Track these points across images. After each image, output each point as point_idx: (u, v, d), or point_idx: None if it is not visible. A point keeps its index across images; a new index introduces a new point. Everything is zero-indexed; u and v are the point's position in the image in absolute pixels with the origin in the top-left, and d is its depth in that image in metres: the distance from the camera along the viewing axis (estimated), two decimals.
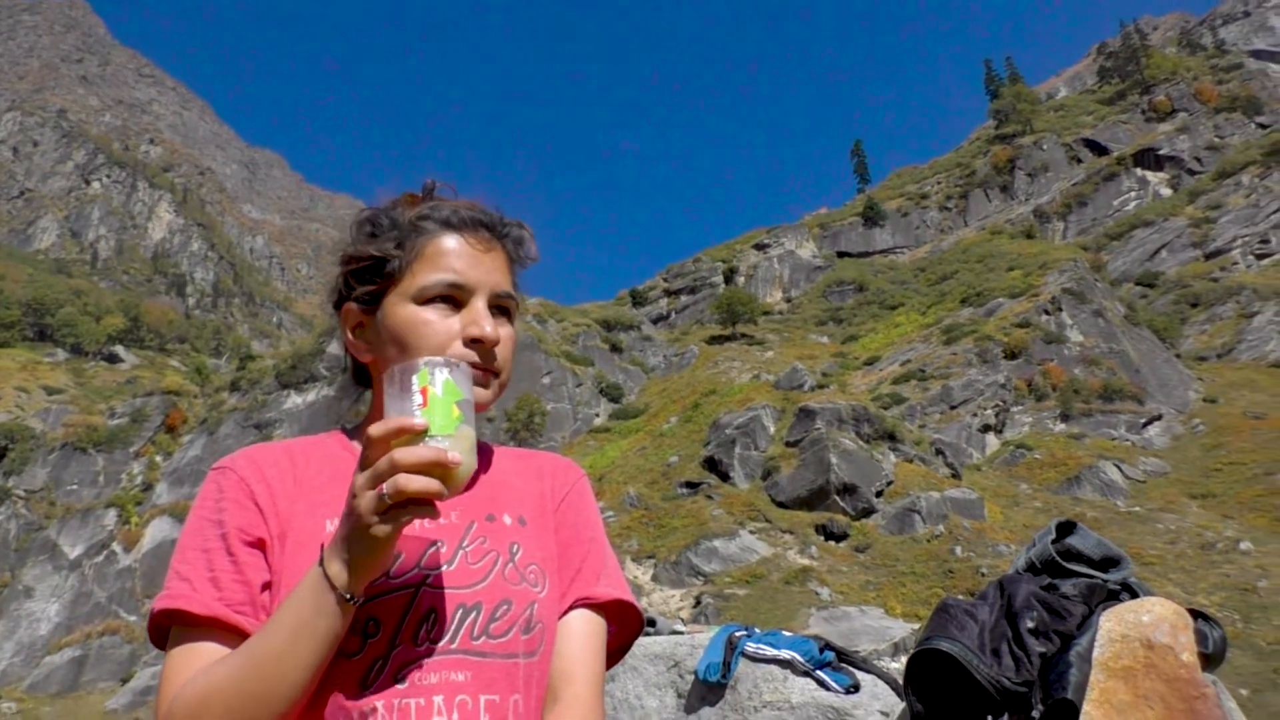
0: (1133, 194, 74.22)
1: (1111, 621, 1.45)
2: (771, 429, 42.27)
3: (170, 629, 1.12)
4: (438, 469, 0.98)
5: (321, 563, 1.02)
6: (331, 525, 1.15)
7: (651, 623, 4.09)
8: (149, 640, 1.20)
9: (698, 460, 42.52)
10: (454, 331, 1.19)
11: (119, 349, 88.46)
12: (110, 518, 51.13)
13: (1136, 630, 1.42)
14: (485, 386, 1.21)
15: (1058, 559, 1.62)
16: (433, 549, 1.15)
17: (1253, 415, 45.90)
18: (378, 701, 1.06)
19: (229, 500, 1.16)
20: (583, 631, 1.23)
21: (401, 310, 1.20)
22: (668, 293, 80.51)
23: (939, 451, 42.27)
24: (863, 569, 33.97)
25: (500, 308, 1.25)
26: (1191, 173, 73.41)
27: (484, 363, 1.20)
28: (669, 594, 33.07)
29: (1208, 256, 64.57)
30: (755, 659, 3.10)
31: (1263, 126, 76.50)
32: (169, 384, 69.08)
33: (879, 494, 37.80)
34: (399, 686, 1.07)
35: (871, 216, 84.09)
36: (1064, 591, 1.55)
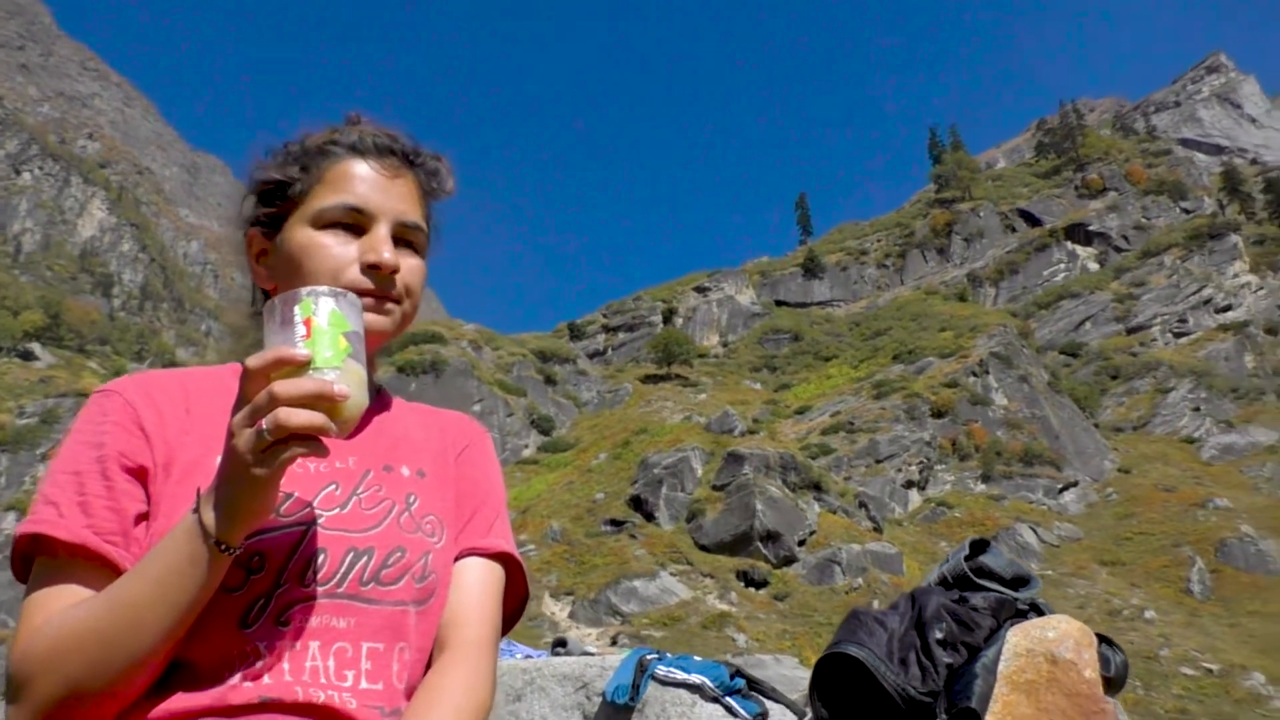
0: (1062, 265, 76.76)
1: (1018, 636, 1.46)
2: (699, 471, 42.35)
3: (35, 560, 1.03)
4: (323, 403, 0.89)
5: (196, 508, 0.94)
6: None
7: (562, 643, 4.02)
8: (11, 572, 1.09)
9: (624, 498, 42.37)
10: (350, 257, 1.12)
11: (35, 346, 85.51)
12: (9, 521, 49.06)
13: (1042, 645, 1.43)
14: (384, 314, 1.14)
15: (970, 574, 1.63)
16: (326, 490, 1.09)
17: (1163, 488, 47.38)
18: (259, 643, 1.00)
19: (111, 423, 1.07)
20: (476, 579, 1.17)
21: (299, 234, 1.14)
22: (606, 328, 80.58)
23: (862, 504, 42.75)
24: (780, 617, 34.05)
25: (406, 240, 1.18)
26: (1118, 249, 76.21)
27: (381, 289, 1.13)
28: (585, 632, 32.73)
29: (1129, 331, 66.88)
30: (665, 682, 3.06)
31: (1186, 211, 79.88)
32: (85, 386, 66.85)
33: (801, 543, 38.02)
34: (280, 628, 1.01)
35: (811, 268, 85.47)
36: (974, 604, 1.55)
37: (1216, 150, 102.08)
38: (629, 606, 33.93)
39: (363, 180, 1.16)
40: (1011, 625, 1.50)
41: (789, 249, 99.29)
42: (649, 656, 3.15)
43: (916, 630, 1.51)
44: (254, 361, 0.91)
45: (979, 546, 1.71)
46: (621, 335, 78.82)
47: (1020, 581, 1.64)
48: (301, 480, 1.08)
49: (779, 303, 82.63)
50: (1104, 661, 1.49)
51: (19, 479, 54.12)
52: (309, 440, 0.90)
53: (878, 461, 48.11)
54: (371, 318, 1.12)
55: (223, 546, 0.94)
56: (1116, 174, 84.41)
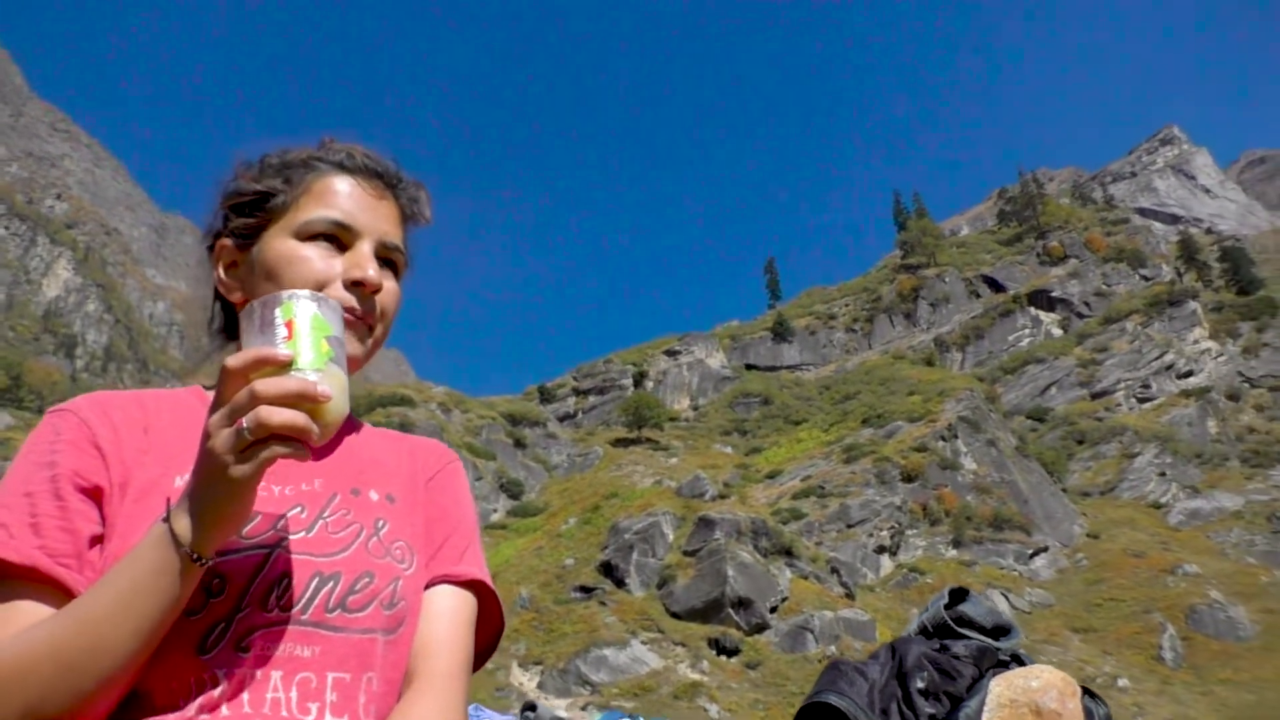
0: (1026, 331, 77.95)
1: (1001, 686, 1.43)
2: (670, 536, 42.02)
3: None
4: (305, 403, 0.86)
5: (167, 518, 0.90)
6: (182, 481, 1.01)
7: (531, 708, 3.92)
8: None
9: (594, 564, 41.88)
10: (334, 272, 1.09)
11: None
12: None
13: (1025, 695, 1.39)
14: (359, 340, 1.11)
15: (950, 623, 1.60)
16: (292, 512, 1.04)
17: (1133, 553, 47.59)
18: (218, 670, 0.94)
19: (65, 442, 1.02)
20: (448, 607, 1.11)
21: (280, 244, 1.10)
22: (577, 391, 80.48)
23: (834, 570, 42.51)
24: (753, 686, 33.56)
25: (387, 260, 1.15)
26: (1080, 315, 77.58)
27: (362, 310, 1.10)
28: (555, 704, 32.03)
29: (1094, 396, 67.75)
30: None
31: (1146, 279, 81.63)
32: None
33: (773, 610, 37.67)
34: (240, 655, 0.95)
35: (781, 332, 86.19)
36: (955, 652, 1.51)
37: (1173, 219, 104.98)
38: (599, 676, 33.34)
39: (349, 197, 1.14)
40: (994, 675, 1.47)
41: (758, 313, 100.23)
42: (623, 718, 3.07)
43: (898, 680, 1.47)
44: (233, 361, 0.87)
45: (958, 595, 1.69)
46: (592, 398, 78.72)
47: (1001, 631, 1.61)
48: (266, 502, 1.03)
49: (749, 366, 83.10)
50: (1088, 714, 1.46)
51: None
52: (290, 442, 0.85)
53: (849, 526, 48.01)
54: (348, 341, 1.08)
55: (195, 557, 0.89)
56: (1077, 241, 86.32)
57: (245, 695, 0.95)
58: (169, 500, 0.96)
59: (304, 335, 0.90)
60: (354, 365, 1.12)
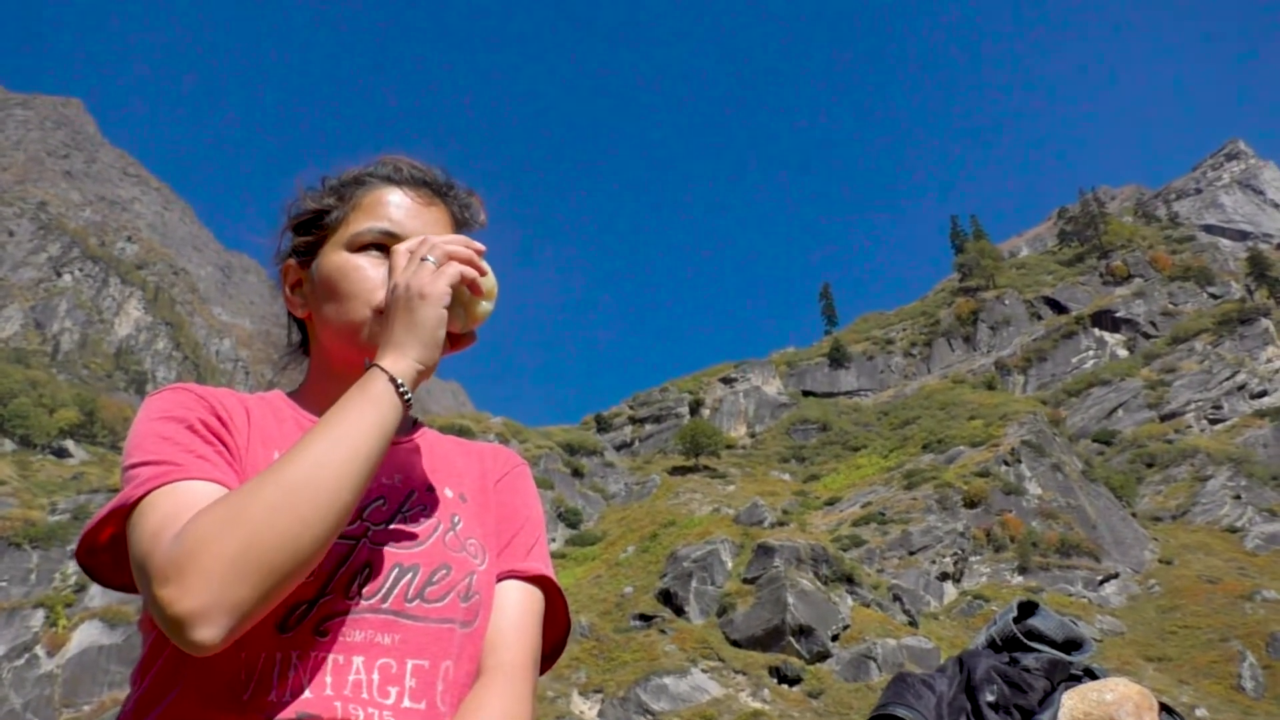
0: (1090, 353, 76.25)
1: (1074, 699, 1.39)
2: (729, 564, 41.71)
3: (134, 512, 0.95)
4: (473, 260, 1.05)
5: (370, 365, 1.00)
6: (279, 455, 1.02)
7: None
8: (78, 558, 1.04)
9: (653, 592, 41.71)
10: (385, 279, 1.12)
11: (69, 444, 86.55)
12: (37, 619, 48.92)
13: (1100, 709, 1.36)
14: None
15: (1019, 637, 1.57)
16: (374, 504, 1.09)
17: (1207, 579, 46.04)
18: (293, 651, 0.96)
19: (187, 406, 1.06)
20: (515, 601, 1.14)
21: (335, 257, 1.15)
22: (633, 420, 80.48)
23: (896, 597, 41.81)
24: (816, 716, 33.04)
25: None
26: (1147, 336, 75.71)
27: None
28: None
29: (1163, 418, 65.93)
30: None
31: (1214, 297, 79.46)
32: (116, 482, 67.17)
33: (835, 638, 37.13)
34: (318, 638, 0.98)
35: (837, 358, 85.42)
36: (1026, 665, 1.48)
37: (1240, 236, 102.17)
38: (659, 704, 33.10)
39: (397, 206, 1.17)
40: (1066, 688, 1.43)
41: (814, 339, 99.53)
42: None
43: (966, 693, 1.44)
44: (403, 245, 1.07)
45: (1027, 609, 1.65)
46: (649, 427, 78.66)
47: (1073, 645, 1.58)
48: None
49: (806, 393, 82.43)
50: None
51: (49, 575, 54.18)
52: (472, 274, 1.03)
53: (911, 553, 47.20)
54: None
55: (399, 384, 0.98)
56: (1141, 260, 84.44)
57: (328, 677, 0.97)
58: (366, 361, 1.04)
59: None
60: (463, 344, 1.16)
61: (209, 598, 0.84)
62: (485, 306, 1.06)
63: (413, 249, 1.05)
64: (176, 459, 0.98)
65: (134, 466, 0.99)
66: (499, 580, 1.15)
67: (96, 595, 51.55)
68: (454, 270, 1.01)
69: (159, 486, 0.95)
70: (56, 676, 46.08)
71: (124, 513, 0.96)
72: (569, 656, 36.70)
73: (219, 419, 1.07)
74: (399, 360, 0.99)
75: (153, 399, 1.08)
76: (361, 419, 0.95)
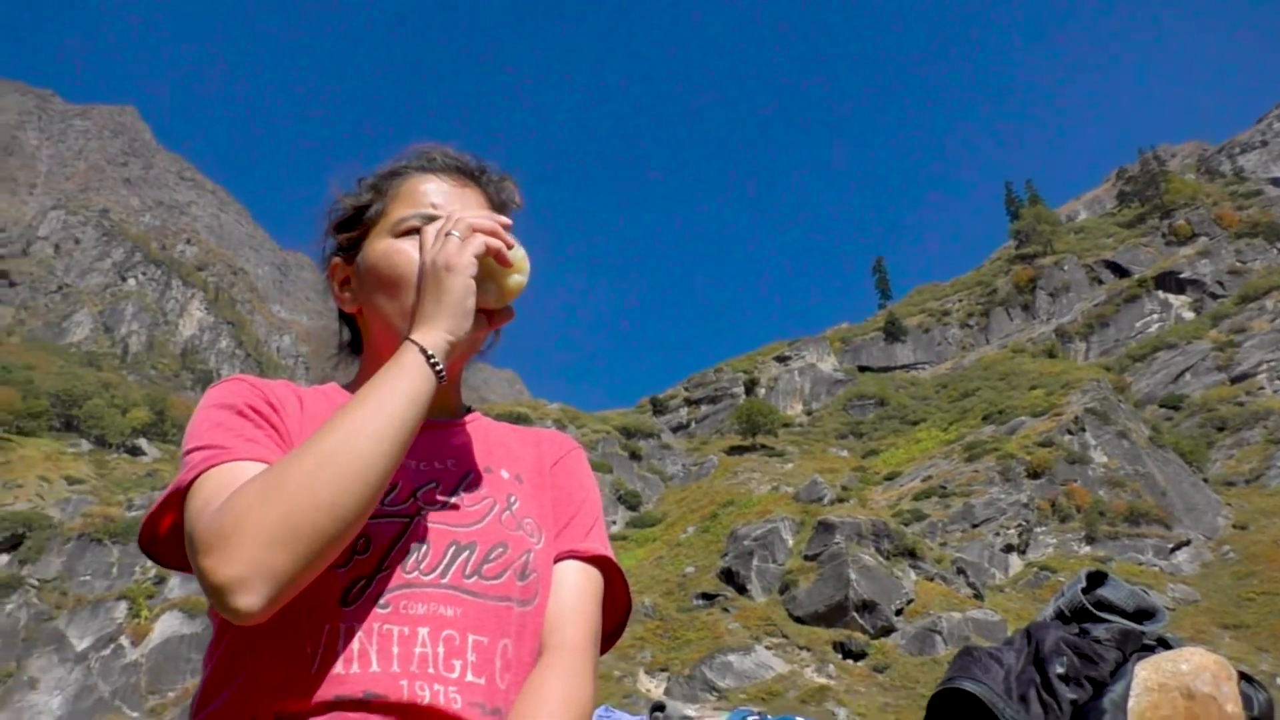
0: (1155, 316, 74.30)
1: (1148, 670, 1.36)
2: (790, 542, 41.60)
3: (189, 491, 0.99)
4: (498, 227, 1.07)
5: (405, 338, 1.02)
6: None
7: (660, 707, 3.94)
8: (140, 542, 1.08)
9: (714, 571, 41.78)
10: None
11: (142, 442, 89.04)
12: (120, 610, 50.51)
13: (1175, 679, 1.33)
14: None
15: (1089, 607, 1.54)
16: (428, 486, 1.10)
17: None
18: (357, 624, 0.98)
19: (240, 395, 1.09)
20: (574, 582, 1.15)
21: (378, 244, 1.18)
22: (688, 401, 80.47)
23: (960, 571, 41.35)
24: (882, 690, 32.89)
25: None
26: (1214, 296, 73.53)
27: None
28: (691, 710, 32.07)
29: (1233, 380, 64.03)
30: None
31: None
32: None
33: (899, 612, 36.87)
34: (380, 610, 0.99)
35: (893, 332, 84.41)
36: (1096, 636, 1.46)
37: None
38: (725, 681, 33.21)
39: (436, 191, 1.20)
40: (1139, 659, 1.41)
41: (869, 314, 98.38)
42: (750, 718, 3.06)
43: (1035, 666, 1.42)
44: (432, 226, 1.09)
45: (1096, 579, 1.62)
46: (704, 408, 78.58)
47: (1144, 614, 1.54)
48: (404, 475, 1.09)
49: (862, 368, 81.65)
50: (1246, 700, 1.39)
51: (130, 569, 55.86)
52: (497, 246, 1.05)
53: (974, 526, 46.60)
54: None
55: (431, 357, 1.00)
56: (1205, 218, 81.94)
57: (395, 648, 0.98)
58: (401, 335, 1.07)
59: None
60: (500, 320, 1.17)
61: (248, 565, 0.86)
62: (517, 279, 1.06)
63: (439, 227, 1.07)
64: (226, 442, 1.01)
65: (188, 453, 1.03)
66: (558, 561, 1.16)
67: (176, 587, 53.14)
68: (478, 241, 1.03)
69: (210, 468, 0.98)
70: (141, 665, 47.62)
71: (179, 497, 0.99)
72: (633, 636, 36.96)
73: (270, 404, 1.10)
74: (429, 332, 1.01)
75: (210, 389, 1.13)
76: (394, 388, 0.97)
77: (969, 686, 1.39)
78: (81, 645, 47.80)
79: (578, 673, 1.07)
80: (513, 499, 1.15)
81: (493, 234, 1.05)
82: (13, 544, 53.12)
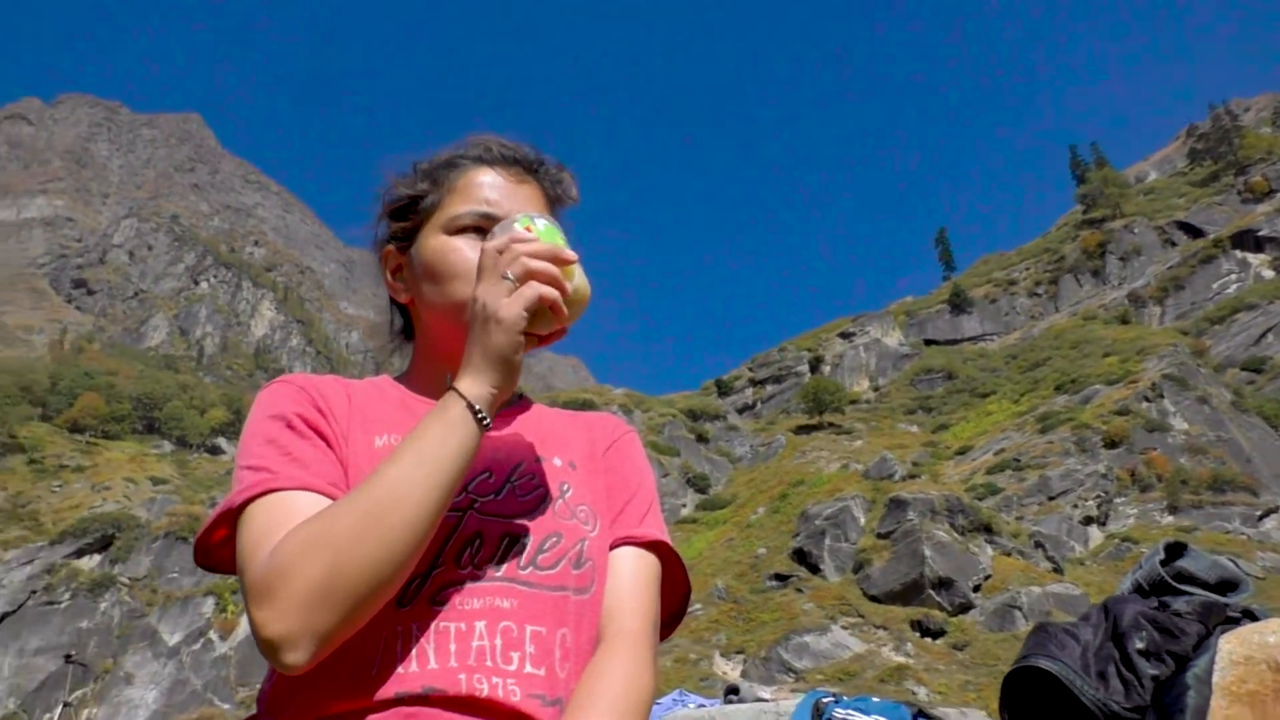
0: (1233, 277, 71.75)
1: (1233, 643, 1.32)
2: (862, 520, 41.26)
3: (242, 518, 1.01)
4: (557, 261, 0.99)
5: (450, 385, 0.99)
6: (381, 440, 1.10)
7: (734, 690, 3.94)
8: (195, 558, 1.10)
9: (786, 552, 41.63)
10: None
11: (221, 441, 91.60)
12: (208, 606, 52.13)
13: (1262, 652, 1.29)
14: None
15: (1168, 580, 1.50)
16: (480, 477, 1.09)
17: None
18: (412, 622, 0.98)
19: (289, 399, 1.10)
20: (631, 568, 1.13)
21: (433, 241, 1.17)
22: (753, 382, 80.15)
23: (1039, 544, 40.60)
24: (962, 668, 32.48)
25: None
26: None
27: None
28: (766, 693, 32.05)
29: None
30: None
31: None
32: None
33: (976, 589, 36.35)
34: (436, 608, 0.99)
35: (958, 304, 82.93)
36: (1176, 609, 1.41)
37: None
38: (802, 662, 33.12)
39: (491, 187, 1.19)
40: (1223, 632, 1.36)
41: (932, 286, 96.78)
42: (824, 700, 3.04)
43: (1114, 642, 1.38)
44: (491, 243, 1.01)
45: (1175, 550, 1.58)
46: (769, 388, 78.20)
47: (1228, 586, 1.50)
48: None
49: (928, 342, 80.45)
50: None
51: None
52: (552, 289, 0.97)
53: (1050, 499, 45.69)
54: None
55: (478, 410, 0.97)
56: None
57: (452, 645, 0.98)
58: (449, 377, 1.03)
59: (543, 233, 1.03)
60: (553, 339, 1.15)
61: (294, 625, 0.88)
62: (574, 309, 1.02)
63: (500, 249, 1.00)
64: (273, 465, 1.02)
65: (240, 469, 1.04)
66: (614, 547, 1.15)
67: None
68: (531, 294, 0.96)
69: (256, 496, 0.99)
70: (230, 658, 49.13)
71: (229, 516, 1.02)
72: (708, 619, 37.04)
73: (318, 409, 1.10)
74: (475, 384, 0.98)
75: (262, 394, 1.13)
76: (441, 445, 0.96)
77: (1045, 664, 1.36)
78: (173, 640, 49.46)
79: (637, 659, 1.05)
80: (566, 487, 1.14)
81: (551, 281, 0.98)
82: (104, 544, 55.10)
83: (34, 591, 50.63)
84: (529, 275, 0.97)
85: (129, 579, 53.33)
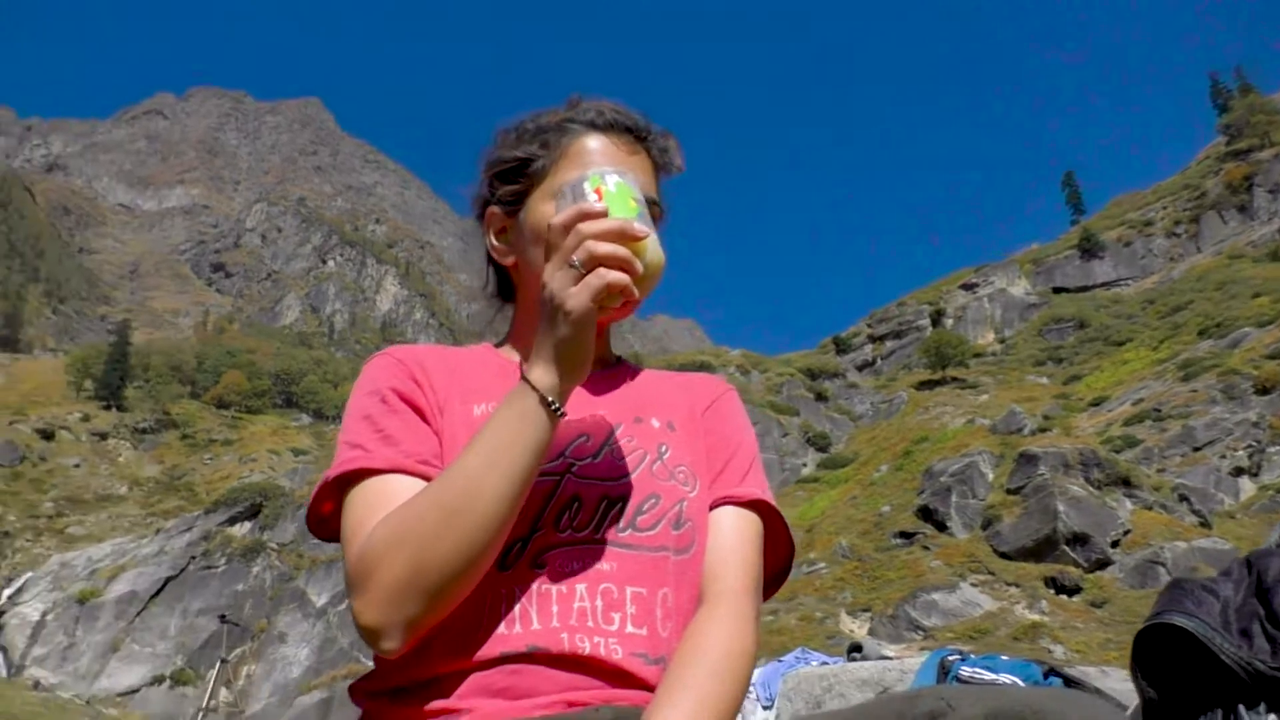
0: None
1: None
2: (990, 476, 40.17)
3: (346, 495, 1.06)
4: (625, 239, 0.95)
5: (523, 376, 0.98)
6: (480, 409, 1.11)
7: (858, 648, 3.90)
8: (309, 525, 1.16)
9: (911, 509, 40.93)
10: None
11: None
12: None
13: None
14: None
15: None
16: (578, 441, 1.10)
17: None
18: (515, 586, 1.01)
19: (384, 374, 1.14)
20: (732, 527, 1.13)
21: (544, 207, 1.16)
22: (872, 338, 78.71)
23: (1183, 498, 38.76)
24: (1101, 625, 31.42)
25: None
26: None
27: None
28: (887, 650, 31.77)
29: None
30: (971, 684, 2.88)
31: None
32: None
33: (1115, 544, 35.00)
34: (536, 572, 1.02)
35: (1089, 248, 79.21)
36: None
37: None
38: (930, 620, 32.62)
39: (603, 154, 1.17)
40: None
41: (1060, 231, 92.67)
42: (951, 658, 2.98)
43: (1259, 598, 1.30)
44: (558, 219, 0.96)
45: None
46: (889, 343, 76.64)
47: None
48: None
49: (1057, 290, 77.26)
50: None
51: None
52: (620, 273, 0.94)
53: (1195, 450, 43.46)
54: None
55: (550, 402, 0.96)
56: None
57: (554, 607, 1.00)
58: (521, 366, 1.05)
59: (613, 197, 0.99)
60: (621, 314, 1.16)
61: (384, 616, 0.94)
62: (644, 287, 0.99)
63: (566, 226, 0.96)
64: (367, 443, 1.06)
65: (340, 443, 1.09)
66: (715, 507, 1.15)
67: None
68: (598, 284, 0.93)
69: (349, 473, 1.04)
70: None
71: (329, 489, 1.08)
72: (833, 577, 36.83)
73: (414, 380, 1.13)
74: (546, 374, 0.97)
75: (365, 367, 1.17)
76: (514, 439, 0.96)
77: (1179, 621, 1.30)
78: (320, 601, 52.04)
79: (738, 619, 1.05)
80: (664, 448, 1.14)
81: (620, 265, 0.95)
82: (253, 512, 58.28)
83: (193, 557, 54.00)
84: (595, 262, 0.93)
85: (277, 544, 56.26)
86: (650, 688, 1.00)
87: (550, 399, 0.96)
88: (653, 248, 0.98)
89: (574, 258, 0.93)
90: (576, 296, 0.93)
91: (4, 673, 43.46)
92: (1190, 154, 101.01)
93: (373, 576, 0.94)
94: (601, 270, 0.93)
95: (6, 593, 50.51)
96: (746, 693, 1.04)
